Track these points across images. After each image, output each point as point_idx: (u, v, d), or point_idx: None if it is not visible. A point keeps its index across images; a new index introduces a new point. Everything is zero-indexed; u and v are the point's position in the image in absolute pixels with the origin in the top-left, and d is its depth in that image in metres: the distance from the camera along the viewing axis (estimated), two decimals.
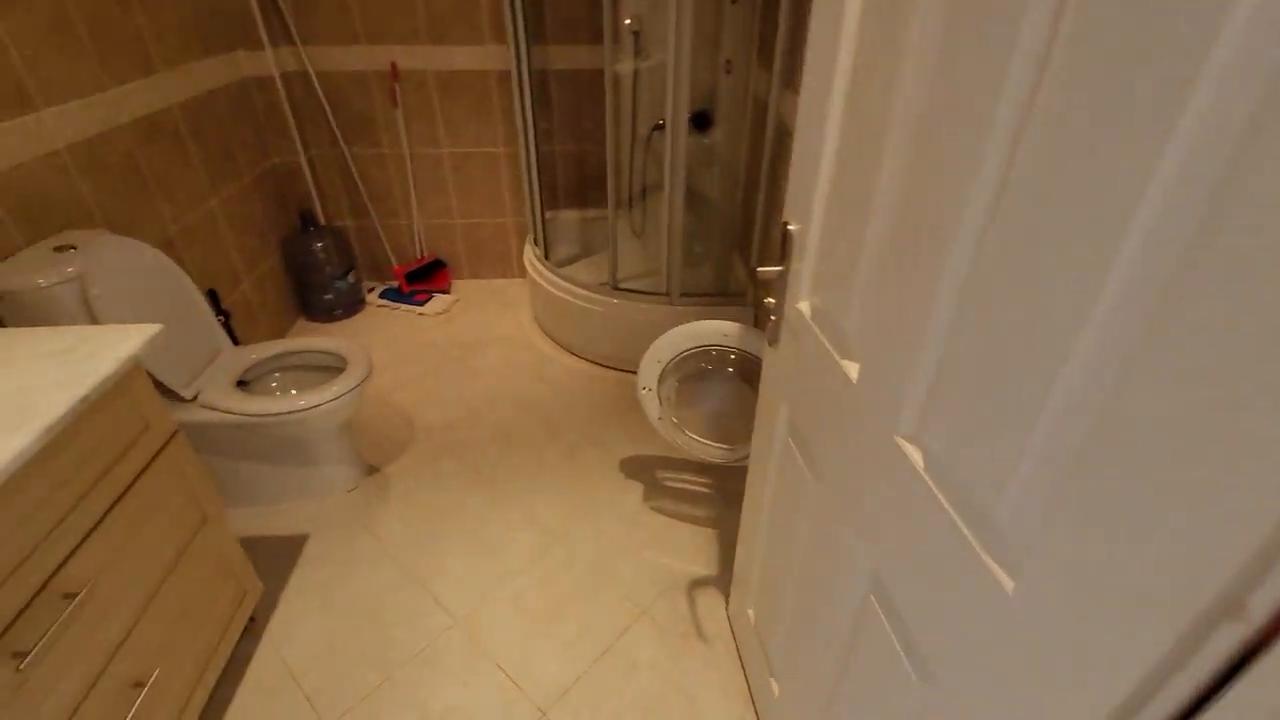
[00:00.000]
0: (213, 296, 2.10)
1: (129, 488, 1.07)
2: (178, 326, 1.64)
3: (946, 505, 0.59)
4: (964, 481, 0.57)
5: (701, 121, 2.33)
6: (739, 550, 1.37)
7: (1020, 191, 0.47)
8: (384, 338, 2.61)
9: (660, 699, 1.36)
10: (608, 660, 1.44)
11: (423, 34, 2.41)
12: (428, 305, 2.78)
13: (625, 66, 2.42)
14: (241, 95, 2.32)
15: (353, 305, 2.74)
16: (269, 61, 2.34)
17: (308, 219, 2.55)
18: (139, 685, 1.08)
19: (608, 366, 2.43)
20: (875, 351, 0.70)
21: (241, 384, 1.72)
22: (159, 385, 1.56)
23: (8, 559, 0.84)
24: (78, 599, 0.94)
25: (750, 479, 1.24)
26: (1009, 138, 0.48)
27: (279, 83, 2.39)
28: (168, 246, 1.91)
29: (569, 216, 2.84)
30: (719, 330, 1.40)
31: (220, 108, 2.19)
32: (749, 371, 1.45)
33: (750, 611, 1.33)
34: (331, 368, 1.82)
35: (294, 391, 1.78)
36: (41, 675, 0.89)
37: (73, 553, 0.95)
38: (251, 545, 1.71)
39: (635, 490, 1.89)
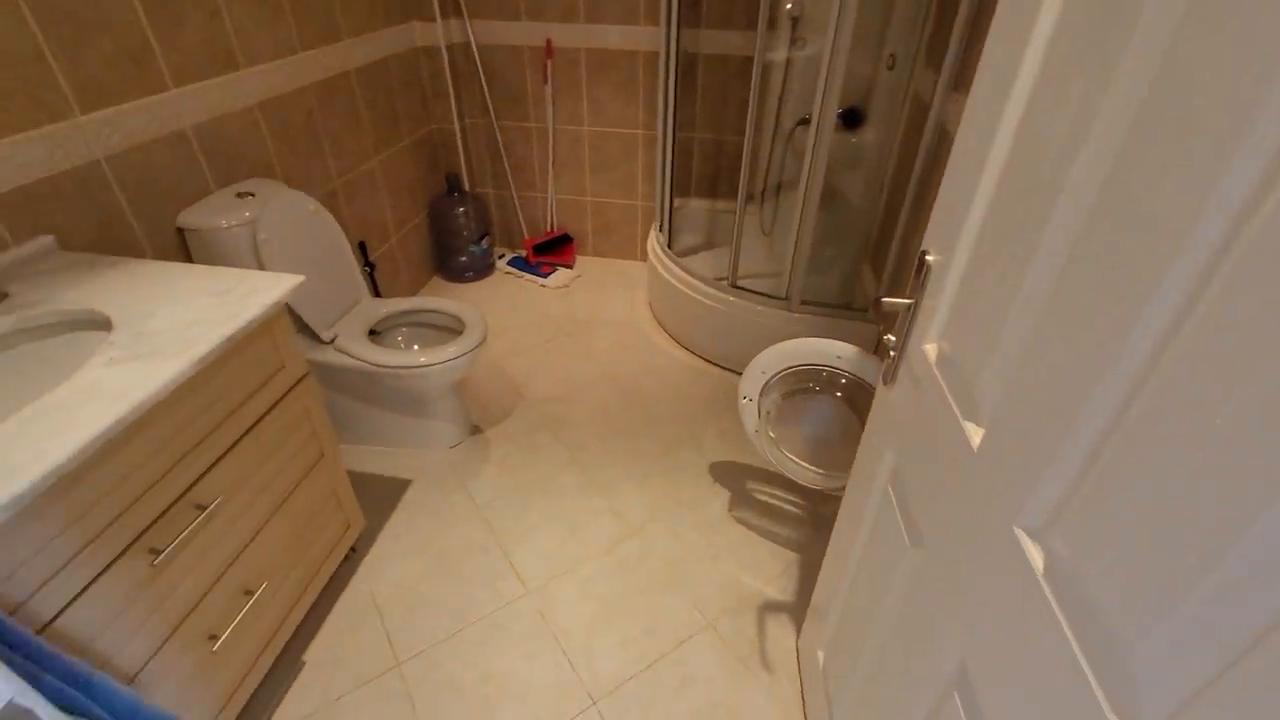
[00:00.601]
0: (362, 248, 2.29)
1: (261, 419, 1.19)
2: (327, 274, 1.80)
3: (1064, 626, 0.49)
4: (1094, 606, 0.47)
5: (852, 118, 2.17)
6: (819, 585, 1.28)
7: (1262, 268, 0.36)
8: (506, 304, 2.73)
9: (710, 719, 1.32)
10: (664, 666, 1.41)
11: (580, 12, 2.43)
12: (550, 278, 2.86)
13: (779, 54, 2.30)
14: (411, 63, 2.48)
15: (483, 269, 2.89)
16: (439, 33, 2.48)
17: (454, 184, 2.70)
18: (249, 593, 1.21)
19: (715, 364, 2.38)
20: (1008, 422, 0.59)
21: (373, 333, 1.87)
22: (303, 326, 1.73)
23: (155, 470, 0.96)
24: (207, 511, 1.06)
25: (842, 516, 1.15)
26: (1247, 197, 0.37)
27: (445, 53, 2.53)
28: (330, 199, 2.10)
29: (698, 206, 2.79)
30: (833, 351, 1.30)
31: (391, 74, 2.36)
32: (858, 400, 1.34)
33: (820, 654, 1.24)
34: (452, 329, 1.92)
35: (416, 347, 1.91)
36: (171, 572, 1.02)
37: (208, 470, 1.07)
38: (360, 481, 1.86)
39: (721, 496, 1.83)
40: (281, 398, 1.24)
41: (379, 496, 1.82)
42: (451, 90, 2.61)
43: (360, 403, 1.88)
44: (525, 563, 1.64)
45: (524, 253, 2.99)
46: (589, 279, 2.92)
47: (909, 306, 0.83)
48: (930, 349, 0.79)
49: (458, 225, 2.72)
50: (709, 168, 2.74)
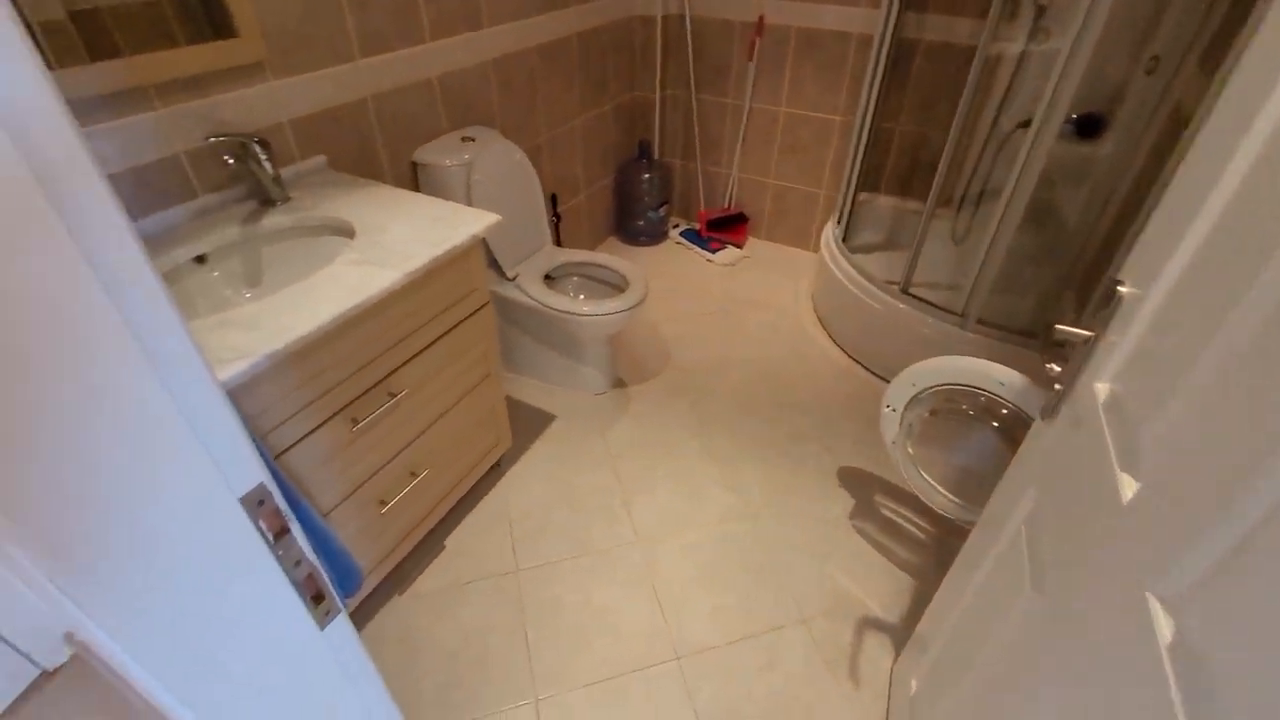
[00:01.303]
0: (553, 200, 2.50)
1: (447, 332, 1.39)
2: (521, 219, 2.00)
3: (1178, 708, 0.45)
4: (1214, 695, 0.42)
5: (1089, 127, 1.91)
6: (928, 614, 1.22)
7: None
8: (672, 272, 2.82)
9: (785, 711, 1.33)
10: (750, 645, 1.45)
11: None
12: (719, 254, 2.90)
13: (1013, 47, 2.08)
14: (626, 31, 2.61)
15: (657, 236, 3.00)
16: (658, 2, 2.57)
17: (645, 151, 2.83)
18: (414, 475, 1.44)
19: (867, 368, 2.28)
20: (1167, 479, 0.54)
21: (548, 278, 2.05)
22: (492, 261, 1.95)
23: (365, 355, 1.18)
24: (396, 399, 1.28)
25: (967, 548, 1.08)
26: None
27: (659, 23, 2.62)
28: (535, 152, 2.32)
29: (885, 204, 2.64)
30: (995, 375, 1.20)
31: (607, 40, 2.50)
32: (1016, 433, 1.23)
33: (913, 682, 1.19)
34: (617, 286, 2.05)
35: (581, 297, 2.07)
36: (363, 441, 1.25)
37: (401, 366, 1.28)
38: (515, 407, 2.09)
39: (844, 502, 1.78)
40: (466, 318, 1.44)
41: (527, 424, 2.03)
42: (659, 60, 2.71)
43: (527, 337, 2.09)
44: (642, 514, 1.74)
45: (697, 226, 3.05)
46: (757, 261, 2.92)
47: (1089, 339, 0.76)
48: (1101, 389, 0.72)
49: (641, 191, 2.84)
50: (905, 164, 2.57)
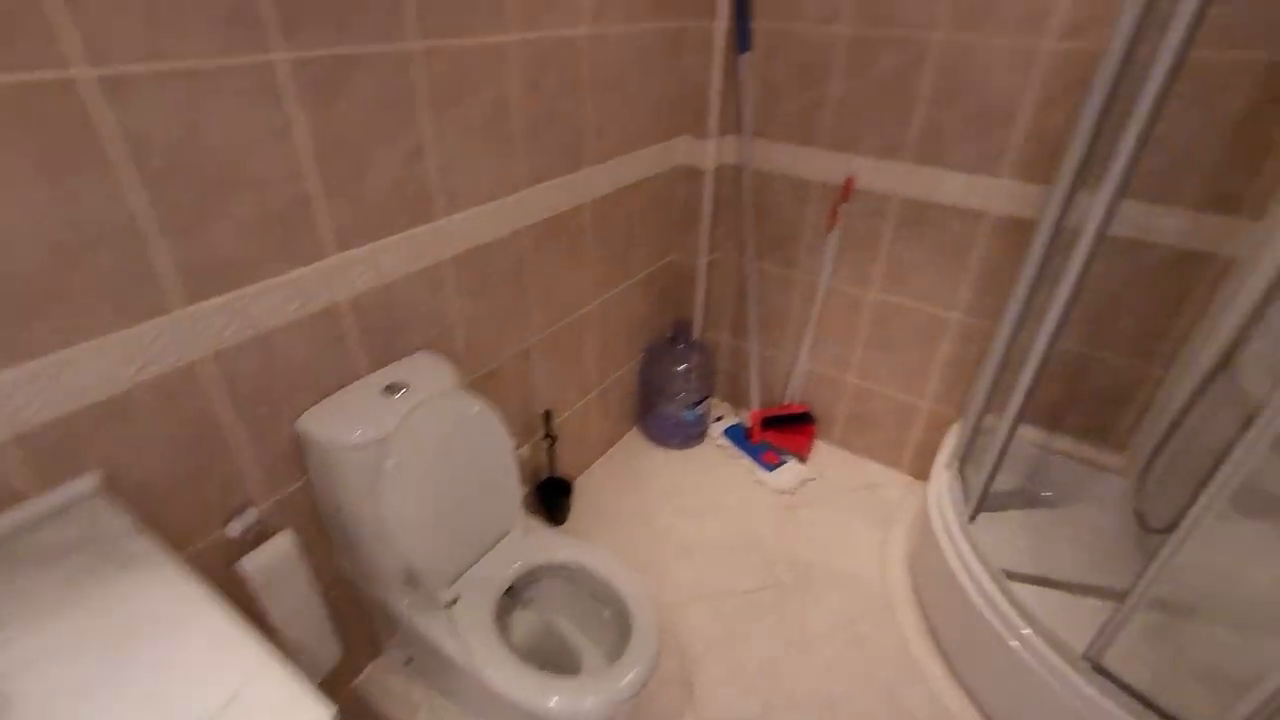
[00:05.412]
0: (546, 418, 1.80)
1: None
2: (469, 504, 1.29)
3: None
4: None
5: None
6: None
7: None
8: (705, 500, 2.05)
9: None
10: None
11: (908, 149, 1.69)
12: (775, 474, 2.12)
13: (1273, 254, 1.31)
14: (666, 186, 1.97)
15: (692, 437, 2.26)
16: (708, 152, 1.93)
17: (681, 334, 2.13)
18: None
19: None
20: None
21: (510, 591, 1.31)
22: (409, 578, 1.23)
23: None
24: None
25: None
26: None
27: (709, 177, 1.97)
28: (518, 361, 1.64)
29: (1030, 437, 1.83)
30: None
31: (637, 200, 1.86)
32: None
33: None
34: (615, 611, 1.30)
35: (563, 626, 1.31)
36: None
37: None
38: None
39: None
40: None
41: None
42: (706, 219, 2.05)
43: (456, 684, 1.33)
44: None
45: (748, 424, 2.30)
46: (826, 487, 2.12)
47: None
48: None
49: (673, 386, 2.13)
50: (1058, 392, 1.78)
